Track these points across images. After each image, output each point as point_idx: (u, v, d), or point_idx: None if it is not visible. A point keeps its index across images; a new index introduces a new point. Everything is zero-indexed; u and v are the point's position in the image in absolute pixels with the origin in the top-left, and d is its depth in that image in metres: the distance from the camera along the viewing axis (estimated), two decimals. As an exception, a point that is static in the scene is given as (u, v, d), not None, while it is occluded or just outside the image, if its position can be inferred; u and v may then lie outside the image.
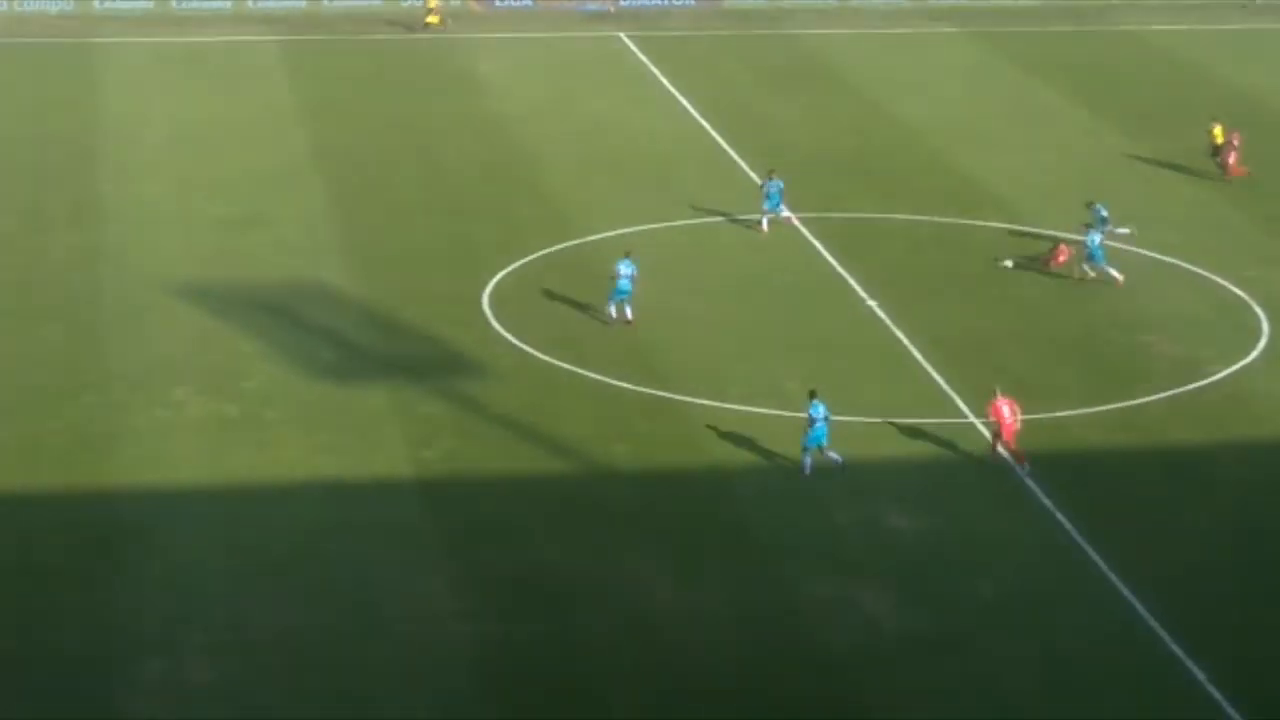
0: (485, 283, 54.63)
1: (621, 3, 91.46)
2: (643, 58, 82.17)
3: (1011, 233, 59.56)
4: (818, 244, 58.48)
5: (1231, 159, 65.22)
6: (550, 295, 53.99)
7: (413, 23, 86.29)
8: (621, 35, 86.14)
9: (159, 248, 57.20)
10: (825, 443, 43.85)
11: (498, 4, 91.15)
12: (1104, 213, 57.27)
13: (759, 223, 58.97)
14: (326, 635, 37.27)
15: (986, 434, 45.62)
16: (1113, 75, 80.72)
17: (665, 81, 78.04)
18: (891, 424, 46.51)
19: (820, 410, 43.78)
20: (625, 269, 51.73)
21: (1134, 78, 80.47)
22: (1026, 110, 74.84)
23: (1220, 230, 60.96)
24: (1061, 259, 56.17)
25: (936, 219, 60.92)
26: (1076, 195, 62.19)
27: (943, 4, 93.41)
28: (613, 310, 51.85)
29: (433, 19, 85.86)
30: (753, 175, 64.53)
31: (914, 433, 46.22)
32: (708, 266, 56.69)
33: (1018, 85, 78.97)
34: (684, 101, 74.93)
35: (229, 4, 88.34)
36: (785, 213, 59.25)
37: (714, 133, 70.46)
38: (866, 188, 63.93)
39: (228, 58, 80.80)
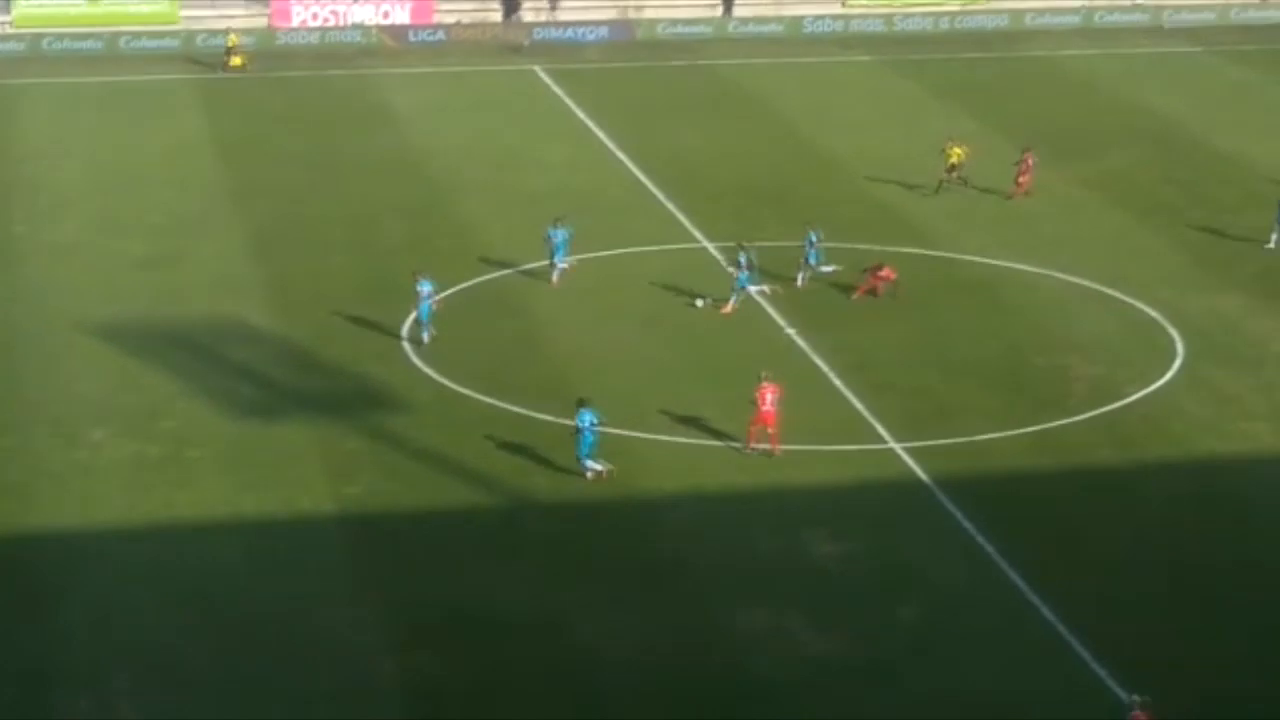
0: (404, 318, 54.55)
1: (535, 36, 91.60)
2: (558, 91, 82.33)
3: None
4: (734, 273, 58.59)
5: (1024, 179, 65.71)
6: (470, 329, 53.96)
7: (215, 63, 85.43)
8: (536, 69, 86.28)
9: (76, 288, 56.88)
10: (585, 453, 44.40)
11: (411, 39, 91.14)
12: (814, 238, 57.52)
13: (550, 276, 57.49)
14: (254, 673, 37.06)
15: (905, 459, 45.93)
16: (1026, 101, 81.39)
17: (581, 114, 78.21)
18: (813, 451, 46.68)
19: (587, 418, 44.22)
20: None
21: (1047, 103, 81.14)
22: (939, 136, 75.20)
23: (1134, 253, 61.52)
24: (884, 277, 56.32)
25: (853, 246, 61.17)
26: (991, 221, 62.73)
27: (857, 32, 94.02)
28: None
29: (236, 60, 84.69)
30: (669, 205, 64.74)
31: (836, 459, 46.41)
32: (626, 297, 56.77)
33: (931, 112, 79.48)
34: (600, 134, 75.11)
35: (150, 44, 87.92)
36: (563, 264, 57.43)
37: (630, 164, 70.65)
38: (782, 216, 64.16)
39: (143, 97, 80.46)
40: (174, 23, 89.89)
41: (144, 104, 79.30)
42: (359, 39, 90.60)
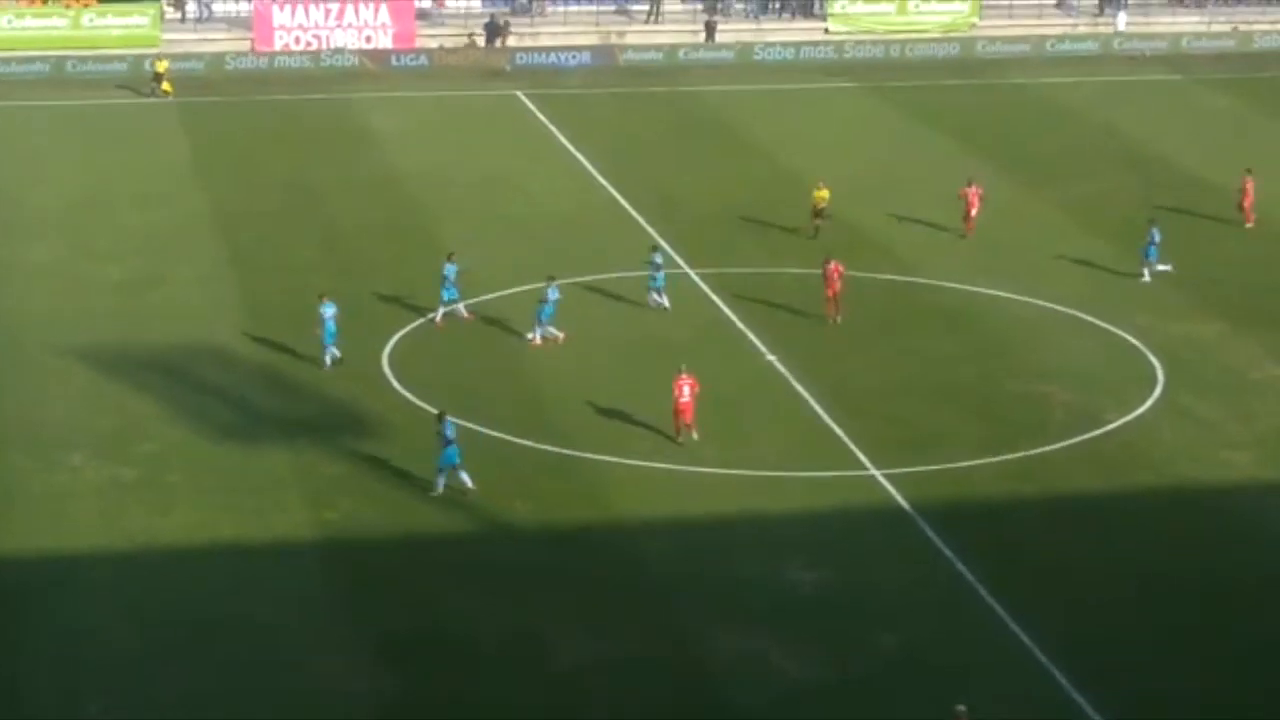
0: (384, 341, 54.48)
1: (518, 61, 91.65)
2: (540, 116, 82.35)
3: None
4: (716, 299, 58.68)
5: (973, 212, 65.08)
6: (449, 353, 53.90)
7: (140, 85, 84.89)
8: (518, 93, 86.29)
9: (53, 311, 56.72)
10: (458, 462, 44.49)
11: (394, 63, 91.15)
12: (658, 260, 57.41)
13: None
14: (230, 699, 36.90)
15: (885, 486, 45.95)
16: (1004, 128, 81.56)
17: (562, 139, 78.23)
18: (792, 477, 46.64)
19: (451, 430, 44.32)
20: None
21: (1025, 130, 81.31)
22: (919, 163, 75.45)
23: (1113, 279, 61.57)
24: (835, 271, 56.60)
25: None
26: (970, 247, 62.80)
27: (838, 59, 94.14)
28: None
29: (166, 86, 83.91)
30: (650, 230, 64.72)
31: (815, 485, 46.37)
32: (607, 323, 56.71)
33: (911, 139, 79.65)
34: (581, 158, 75.13)
35: (123, 66, 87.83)
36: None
37: (612, 189, 70.65)
38: (763, 242, 64.23)
39: (122, 120, 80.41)
40: (155, 45, 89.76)
41: (123, 126, 79.19)
42: (341, 63, 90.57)
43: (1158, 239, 60.87)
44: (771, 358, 54.11)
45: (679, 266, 61.42)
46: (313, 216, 66.66)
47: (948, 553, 42.88)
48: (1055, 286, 60.02)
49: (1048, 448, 48.57)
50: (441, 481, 44.77)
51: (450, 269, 55.92)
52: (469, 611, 40.28)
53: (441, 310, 55.81)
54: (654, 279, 57.33)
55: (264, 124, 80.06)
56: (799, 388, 52.02)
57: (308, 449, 47.52)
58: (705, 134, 79.83)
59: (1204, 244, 65.36)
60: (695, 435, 48.13)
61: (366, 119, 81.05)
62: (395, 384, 51.66)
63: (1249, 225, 66.78)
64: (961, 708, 34.76)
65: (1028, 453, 48.24)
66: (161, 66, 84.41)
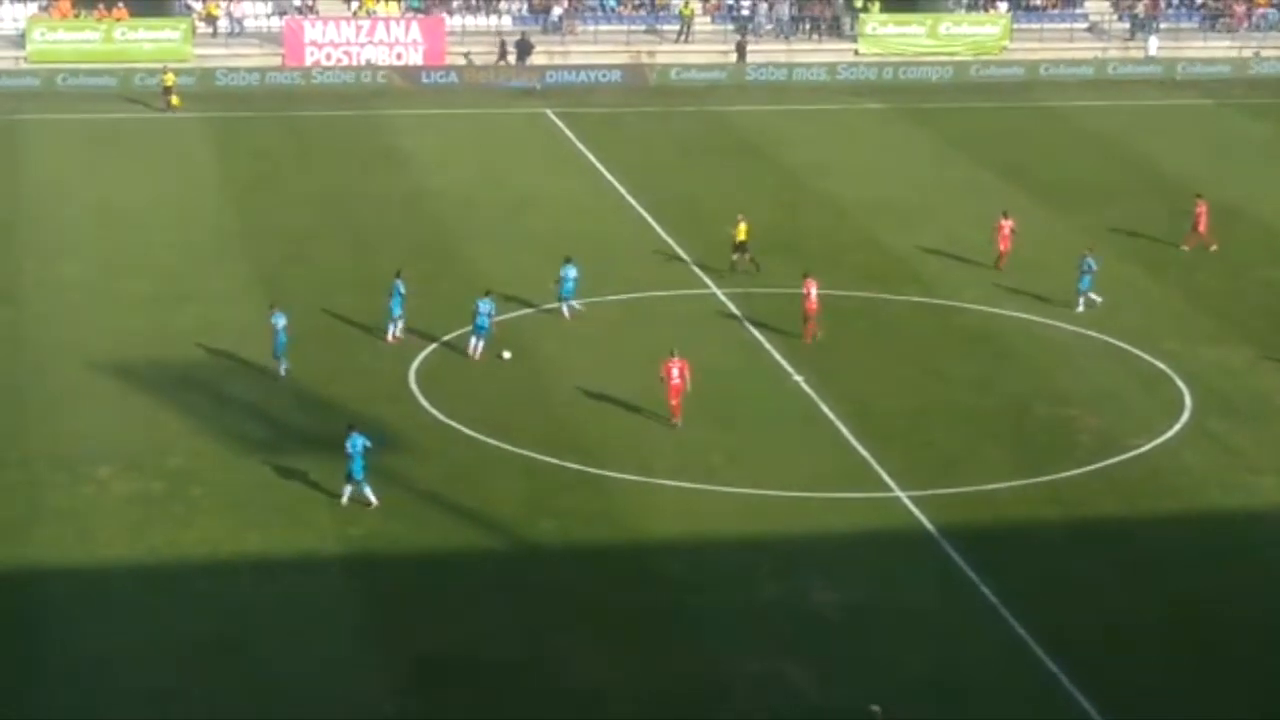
0: (411, 358, 54.56)
1: (548, 79, 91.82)
2: (569, 134, 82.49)
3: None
4: (743, 319, 58.67)
5: (1004, 248, 63.58)
6: (476, 371, 53.96)
7: (151, 100, 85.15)
8: (548, 112, 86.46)
9: (83, 325, 56.88)
10: (360, 478, 44.68)
11: (424, 80, 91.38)
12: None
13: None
14: (253, 714, 36.93)
15: (911, 508, 45.88)
16: (1035, 151, 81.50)
17: (592, 157, 78.35)
18: (818, 498, 46.60)
19: (359, 443, 44.49)
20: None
21: (1056, 153, 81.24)
22: (949, 186, 75.45)
23: (1142, 304, 61.48)
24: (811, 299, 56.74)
25: (861, 294, 61.23)
26: (998, 270, 62.70)
27: (868, 81, 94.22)
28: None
29: (175, 100, 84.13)
30: (678, 250, 64.77)
31: (840, 507, 46.32)
32: (634, 341, 56.73)
33: (942, 161, 79.64)
34: (610, 178, 75.22)
35: (155, 81, 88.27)
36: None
37: (640, 208, 70.73)
38: (791, 263, 64.15)
39: (152, 134, 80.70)
40: (187, 59, 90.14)
41: (154, 141, 79.48)
42: (371, 79, 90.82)
43: (1094, 268, 60.07)
44: (798, 378, 54.09)
45: (707, 287, 61.46)
46: (342, 233, 66.79)
47: (973, 576, 42.78)
48: (1085, 311, 59.86)
49: (1074, 472, 48.46)
50: (348, 491, 44.98)
51: (399, 284, 56.18)
52: (492, 629, 40.26)
53: (397, 326, 56.03)
54: (564, 287, 57.98)
55: (294, 140, 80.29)
56: (825, 409, 51.98)
57: (333, 464, 47.51)
58: (734, 154, 79.88)
59: (1232, 269, 65.22)
60: (679, 423, 49.45)
61: (396, 136, 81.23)
62: (422, 400, 51.73)
63: (1213, 249, 66.26)
64: (875, 708, 35.08)
65: (1054, 476, 48.14)
66: (169, 80, 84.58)
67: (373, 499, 45.04)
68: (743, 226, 62.67)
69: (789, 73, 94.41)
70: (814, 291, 56.77)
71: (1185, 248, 66.47)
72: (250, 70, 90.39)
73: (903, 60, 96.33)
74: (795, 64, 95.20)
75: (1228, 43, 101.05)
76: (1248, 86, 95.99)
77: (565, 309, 57.88)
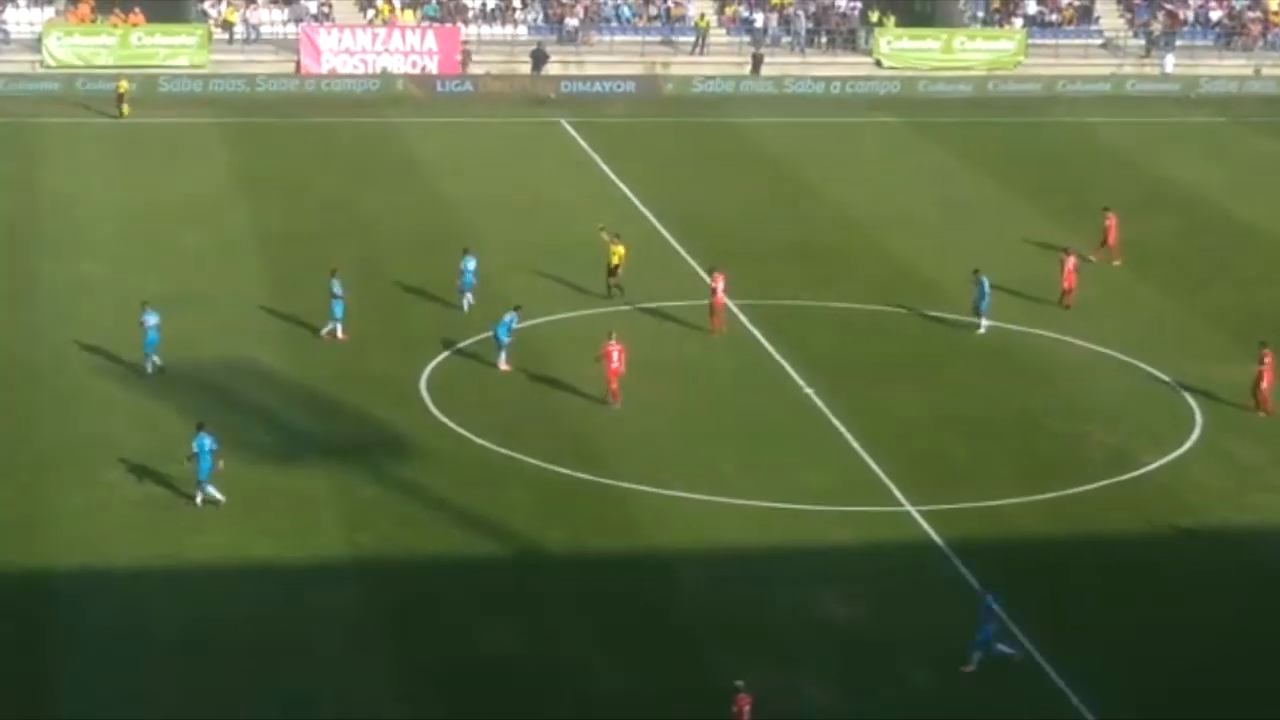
0: (423, 365, 54.58)
1: (563, 89, 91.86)
2: (583, 143, 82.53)
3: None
4: (755, 331, 58.66)
5: (1067, 285, 62.82)
6: (488, 379, 53.98)
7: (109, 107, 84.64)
8: (562, 121, 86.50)
9: (95, 327, 56.91)
10: (204, 478, 44.72)
11: (439, 89, 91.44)
12: (471, 264, 58.92)
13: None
14: (259, 720, 37.03)
15: (921, 523, 45.86)
16: (1050, 166, 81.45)
17: (605, 167, 78.38)
18: (828, 511, 46.57)
19: (206, 443, 44.65)
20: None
21: (1070, 169, 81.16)
22: (963, 200, 75.44)
23: (1154, 321, 61.41)
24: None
25: (874, 307, 61.20)
26: (1012, 285, 62.67)
27: (882, 94, 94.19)
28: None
29: (126, 109, 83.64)
30: (690, 261, 64.77)
31: (850, 520, 46.27)
32: (645, 352, 56.67)
33: (955, 175, 79.61)
34: (624, 187, 75.25)
35: (169, 87, 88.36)
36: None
37: (653, 218, 70.73)
38: (803, 275, 64.22)
39: (167, 138, 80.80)
40: (204, 66, 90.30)
41: (173, 145, 79.58)
42: (387, 87, 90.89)
43: (987, 289, 59.29)
44: (809, 390, 54.06)
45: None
46: (354, 240, 66.82)
47: (982, 591, 42.67)
48: (1096, 326, 59.84)
49: (1084, 487, 48.40)
50: (200, 495, 45.03)
51: (335, 284, 56.48)
52: (501, 638, 40.25)
53: (332, 325, 56.34)
54: (464, 279, 59.07)
55: (308, 147, 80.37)
56: (836, 421, 51.95)
57: (344, 471, 47.59)
58: (748, 166, 79.88)
59: (1245, 286, 65.15)
60: (618, 405, 51.29)
61: (411, 144, 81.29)
62: (433, 408, 51.74)
63: (1116, 264, 66.03)
64: (739, 682, 35.79)
65: (1064, 492, 48.09)
66: (123, 87, 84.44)
67: (219, 496, 45.01)
68: (619, 249, 61.06)
69: (804, 86, 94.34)
70: (720, 286, 57.41)
71: (1092, 258, 65.83)
72: (266, 76, 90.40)
73: (918, 75, 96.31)
74: (810, 76, 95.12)
75: (1243, 60, 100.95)
76: (1262, 104, 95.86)
77: (464, 302, 58.84)
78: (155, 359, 53.15)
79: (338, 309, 56.27)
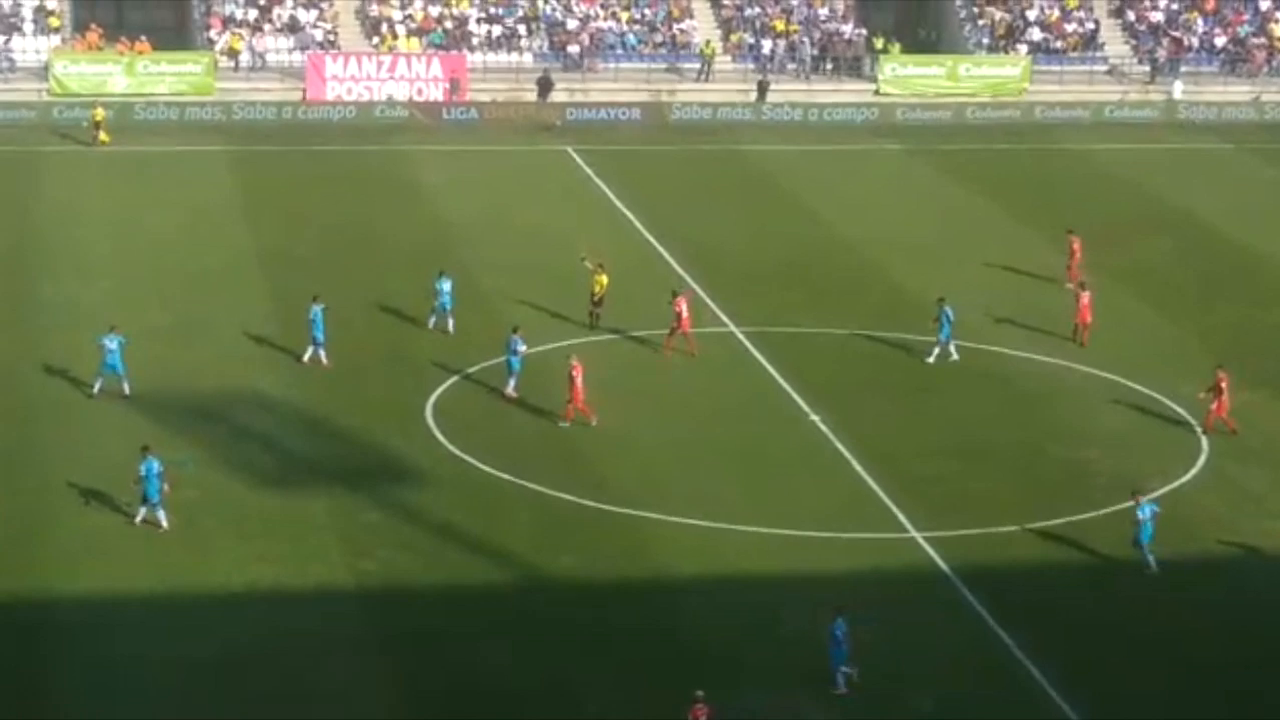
0: (428, 392, 54.58)
1: (569, 117, 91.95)
2: (589, 171, 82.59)
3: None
4: (760, 357, 58.67)
5: (1081, 321, 61.99)
6: (493, 406, 53.98)
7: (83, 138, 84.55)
8: (569, 149, 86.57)
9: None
10: (155, 500, 44.81)
11: (445, 117, 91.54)
12: (446, 285, 59.41)
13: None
14: (261, 746, 36.99)
15: (926, 549, 45.80)
16: (1051, 193, 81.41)
17: (611, 195, 78.41)
18: (833, 538, 46.51)
19: (154, 466, 44.72)
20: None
21: (1074, 195, 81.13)
22: (966, 226, 75.43)
23: (1158, 346, 61.38)
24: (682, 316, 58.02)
25: (879, 333, 61.17)
26: (1015, 311, 62.67)
27: (887, 122, 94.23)
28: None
29: (104, 136, 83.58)
30: (696, 288, 64.76)
31: (855, 546, 46.22)
32: (651, 379, 56.74)
33: (959, 202, 79.60)
34: (629, 215, 75.27)
35: (173, 114, 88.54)
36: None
37: (659, 246, 70.75)
38: (809, 302, 64.21)
39: (172, 165, 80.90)
40: (209, 94, 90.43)
41: (176, 173, 79.66)
42: (392, 115, 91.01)
43: (951, 318, 58.79)
44: (815, 418, 54.03)
45: (724, 325, 61.46)
46: (358, 266, 66.84)
47: (987, 617, 42.68)
48: (1100, 352, 59.80)
49: (1089, 514, 48.34)
50: (142, 512, 45.10)
51: (316, 310, 56.42)
52: (507, 664, 40.21)
53: (313, 350, 56.37)
54: (440, 300, 59.68)
55: (313, 174, 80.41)
56: (841, 448, 51.91)
57: (346, 496, 47.58)
58: (754, 193, 79.91)
59: (1248, 312, 65.11)
60: (567, 424, 51.82)
61: (416, 171, 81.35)
62: (438, 434, 51.73)
63: (1069, 286, 65.25)
64: (700, 693, 35.96)
65: (1069, 519, 48.02)
66: (99, 115, 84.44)
67: (164, 523, 44.98)
68: (602, 279, 60.89)
69: (808, 113, 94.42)
70: (684, 308, 57.83)
71: (1069, 285, 65.37)
72: (271, 104, 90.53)
73: (922, 101, 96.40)
74: (815, 104, 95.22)
75: (1247, 87, 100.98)
76: (1267, 131, 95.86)
77: (437, 321, 59.51)
78: (100, 382, 53.09)
79: (319, 333, 56.30)
